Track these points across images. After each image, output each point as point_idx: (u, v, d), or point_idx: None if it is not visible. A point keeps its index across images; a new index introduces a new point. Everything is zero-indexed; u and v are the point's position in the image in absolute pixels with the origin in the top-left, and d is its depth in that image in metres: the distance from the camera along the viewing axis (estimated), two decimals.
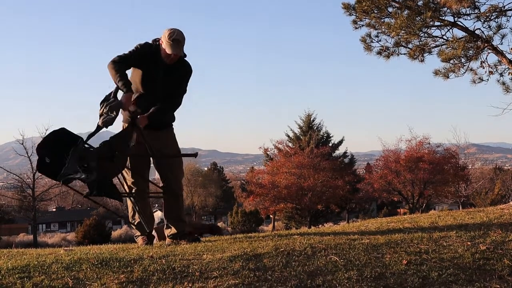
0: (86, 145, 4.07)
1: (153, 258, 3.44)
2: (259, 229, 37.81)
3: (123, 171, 4.50)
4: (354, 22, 7.91)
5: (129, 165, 4.47)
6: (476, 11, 7.28)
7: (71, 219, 56.78)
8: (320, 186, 32.70)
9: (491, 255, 3.60)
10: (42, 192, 38.50)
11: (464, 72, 7.99)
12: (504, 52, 7.45)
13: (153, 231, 4.85)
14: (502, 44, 7.51)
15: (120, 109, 4.21)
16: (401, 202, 39.41)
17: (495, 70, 7.91)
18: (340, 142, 41.48)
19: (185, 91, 4.53)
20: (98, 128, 4.14)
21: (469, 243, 3.92)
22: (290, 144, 39.07)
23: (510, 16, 7.40)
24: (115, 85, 4.21)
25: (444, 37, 7.64)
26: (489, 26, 7.44)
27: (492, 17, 7.34)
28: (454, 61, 7.88)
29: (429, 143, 35.34)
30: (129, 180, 4.51)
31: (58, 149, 3.99)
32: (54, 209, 59.73)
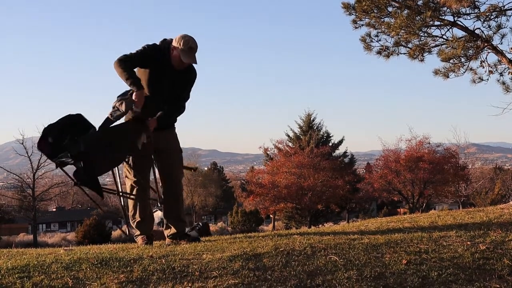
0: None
1: (152, 257, 3.44)
2: (259, 229, 37.81)
3: (126, 170, 4.50)
4: (354, 21, 7.92)
5: (131, 164, 4.47)
6: (476, 10, 7.29)
7: (71, 219, 56.81)
8: (320, 186, 32.72)
9: (491, 254, 3.60)
10: (42, 192, 38.55)
11: (464, 72, 8.00)
12: (504, 52, 7.46)
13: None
14: (502, 43, 7.53)
15: (132, 107, 4.16)
16: (401, 202, 39.44)
17: (495, 69, 7.92)
18: (340, 142, 41.53)
19: (188, 97, 4.55)
20: (107, 120, 4.13)
21: (469, 242, 3.92)
22: (290, 144, 39.10)
23: (510, 16, 7.41)
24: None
25: (444, 36, 7.65)
26: (489, 26, 7.45)
27: (492, 17, 7.35)
28: (454, 61, 7.89)
29: (429, 143, 35.40)
30: (131, 179, 4.51)
31: (66, 133, 3.99)
32: (54, 209, 59.77)
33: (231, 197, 55.40)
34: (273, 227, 40.34)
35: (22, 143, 36.09)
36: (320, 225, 31.99)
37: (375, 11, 7.52)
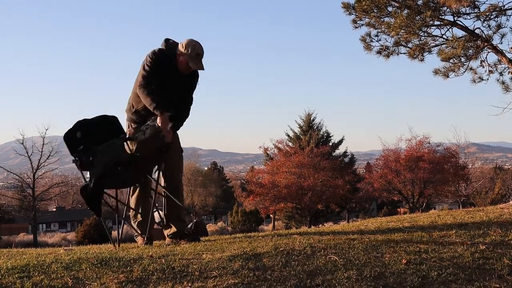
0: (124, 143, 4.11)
1: (152, 257, 3.44)
2: (259, 229, 37.81)
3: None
4: (354, 21, 7.92)
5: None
6: (476, 10, 7.29)
7: (71, 218, 56.75)
8: (320, 186, 32.70)
9: (490, 254, 3.60)
10: (42, 192, 38.54)
11: (464, 71, 8.00)
12: (504, 51, 7.46)
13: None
14: (502, 43, 7.52)
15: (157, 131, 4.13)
16: (401, 202, 39.41)
17: (495, 69, 7.92)
18: (340, 142, 41.50)
19: (192, 101, 4.55)
20: (130, 138, 4.19)
21: (468, 242, 3.92)
22: (290, 144, 39.07)
23: (509, 15, 7.41)
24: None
25: (444, 36, 7.64)
26: (489, 25, 7.45)
27: (492, 16, 7.35)
28: (454, 61, 7.88)
29: (429, 143, 35.36)
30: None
31: (95, 132, 4.01)
32: (54, 209, 59.72)
33: (231, 197, 55.39)
34: (273, 227, 40.33)
35: (22, 143, 36.06)
36: (320, 225, 31.97)
37: (375, 10, 7.52)
